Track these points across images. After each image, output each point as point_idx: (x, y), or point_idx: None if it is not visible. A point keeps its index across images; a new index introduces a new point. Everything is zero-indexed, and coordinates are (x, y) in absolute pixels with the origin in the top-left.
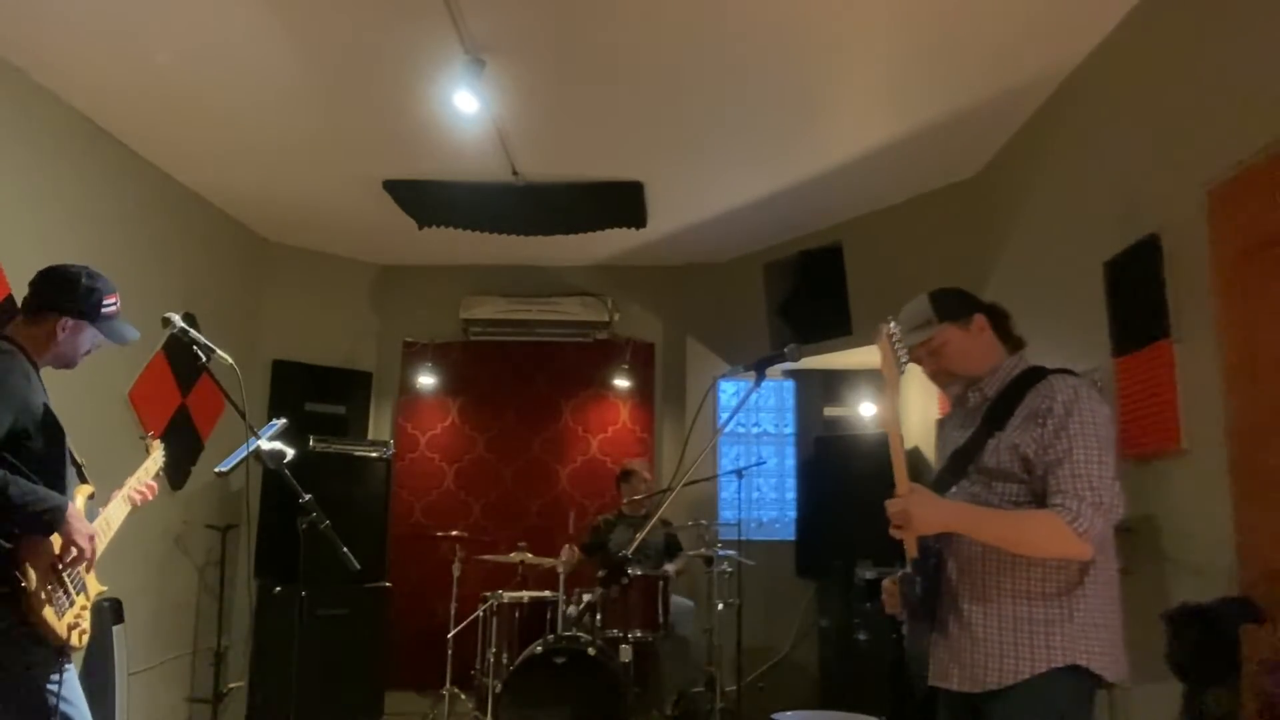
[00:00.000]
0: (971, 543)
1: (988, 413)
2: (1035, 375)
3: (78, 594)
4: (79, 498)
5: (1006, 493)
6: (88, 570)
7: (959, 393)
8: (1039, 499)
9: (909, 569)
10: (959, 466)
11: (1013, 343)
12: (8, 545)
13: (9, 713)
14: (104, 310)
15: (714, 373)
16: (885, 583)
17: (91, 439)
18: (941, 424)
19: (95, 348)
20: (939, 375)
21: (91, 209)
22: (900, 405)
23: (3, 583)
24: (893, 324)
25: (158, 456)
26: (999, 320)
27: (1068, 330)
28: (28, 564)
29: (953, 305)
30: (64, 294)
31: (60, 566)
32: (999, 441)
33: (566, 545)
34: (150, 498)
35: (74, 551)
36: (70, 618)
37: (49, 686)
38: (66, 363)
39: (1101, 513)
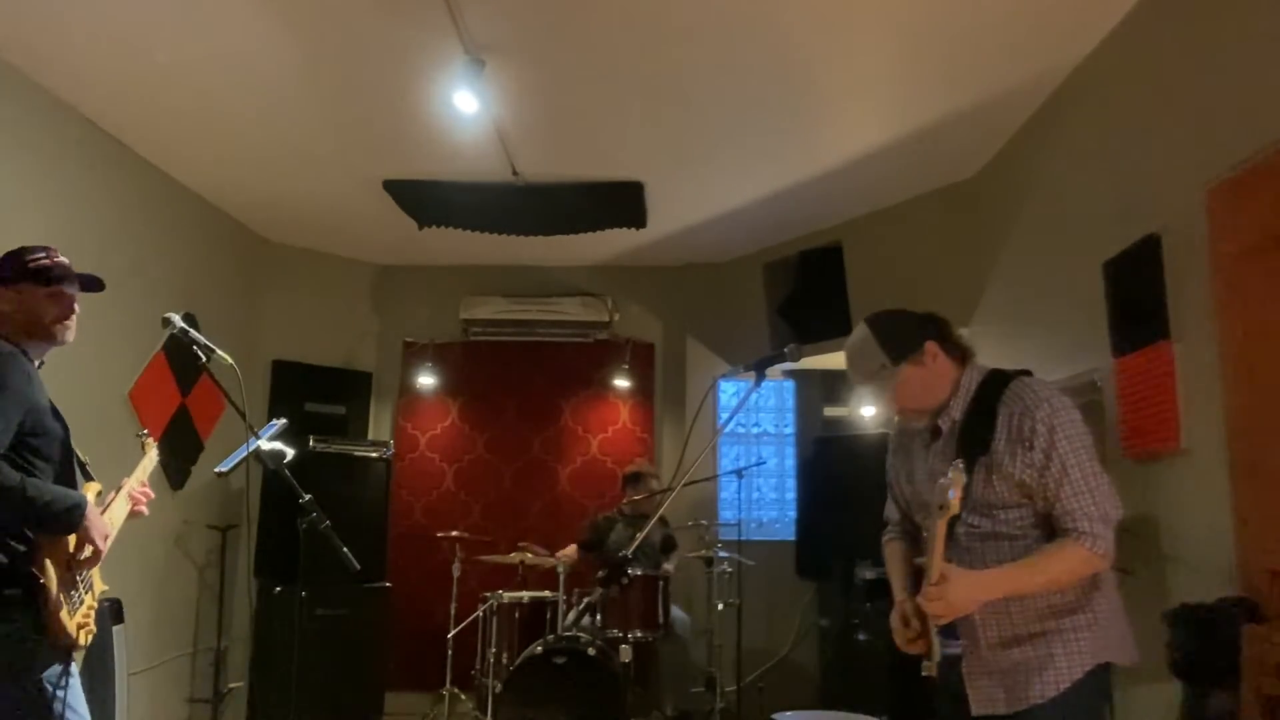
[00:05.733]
0: None
1: (961, 436)
2: (996, 383)
3: (86, 592)
4: (89, 495)
5: (1010, 519)
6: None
7: (929, 425)
8: (1041, 519)
9: (940, 635)
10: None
11: (961, 352)
12: (21, 548)
13: (16, 715)
14: (35, 266)
15: (714, 373)
16: (894, 620)
17: (92, 440)
18: (902, 437)
19: (71, 311)
20: (905, 413)
21: (92, 209)
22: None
23: (16, 585)
24: (959, 465)
25: (153, 455)
26: (944, 334)
27: (1068, 330)
28: (49, 565)
29: (901, 341)
30: None
31: (74, 566)
32: (989, 470)
33: (559, 553)
34: (145, 503)
35: (88, 550)
36: (80, 617)
37: (56, 693)
38: (50, 336)
39: (1109, 524)
